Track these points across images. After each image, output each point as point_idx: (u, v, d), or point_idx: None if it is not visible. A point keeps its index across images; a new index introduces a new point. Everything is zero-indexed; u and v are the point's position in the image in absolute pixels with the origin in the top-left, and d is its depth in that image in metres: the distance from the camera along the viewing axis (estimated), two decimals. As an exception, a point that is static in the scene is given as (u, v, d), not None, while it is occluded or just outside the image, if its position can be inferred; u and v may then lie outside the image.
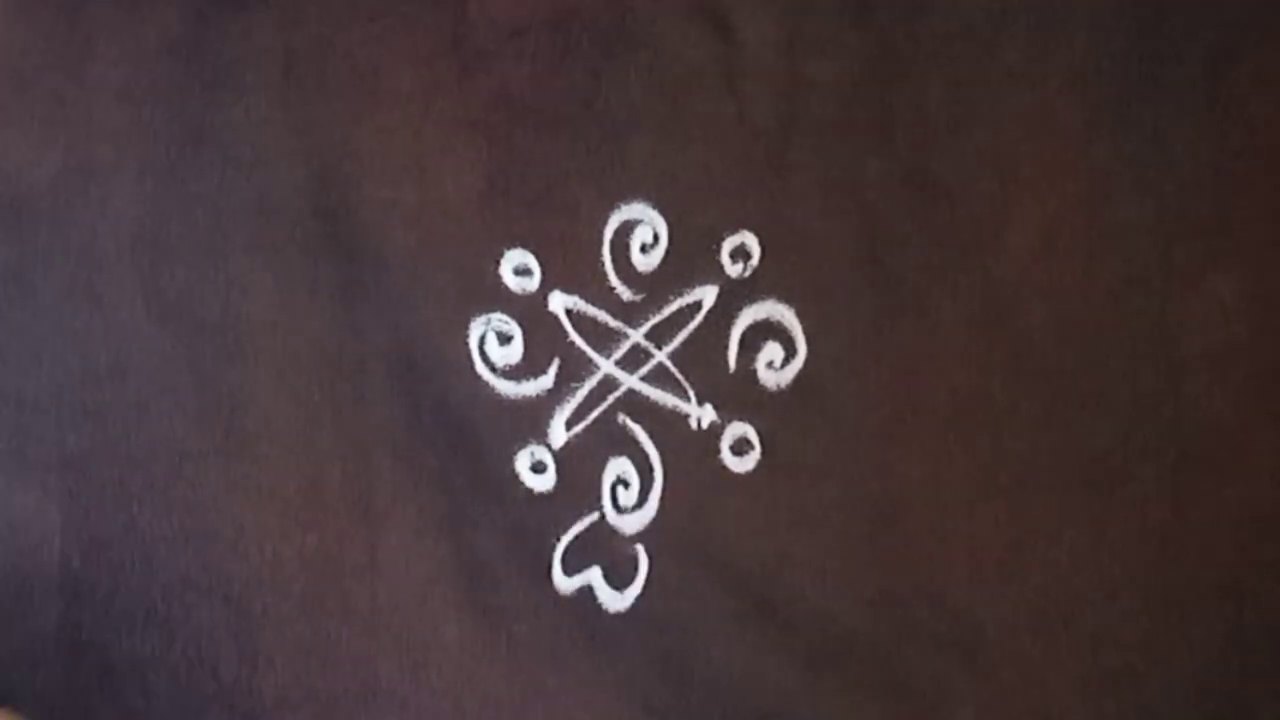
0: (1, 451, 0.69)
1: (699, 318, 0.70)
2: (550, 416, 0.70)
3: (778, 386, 0.70)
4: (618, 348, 0.70)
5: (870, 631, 0.69)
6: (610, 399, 0.70)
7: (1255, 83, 0.69)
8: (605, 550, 0.70)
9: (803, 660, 0.70)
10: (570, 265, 0.70)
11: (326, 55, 0.69)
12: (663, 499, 0.70)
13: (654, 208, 0.70)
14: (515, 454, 0.70)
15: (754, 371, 0.70)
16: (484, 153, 0.70)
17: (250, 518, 0.69)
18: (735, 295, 0.70)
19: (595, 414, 0.70)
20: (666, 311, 0.70)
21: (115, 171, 0.69)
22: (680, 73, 0.70)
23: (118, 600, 0.69)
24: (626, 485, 0.70)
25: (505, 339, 0.70)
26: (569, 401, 0.70)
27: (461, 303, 0.69)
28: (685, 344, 0.70)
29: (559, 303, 0.70)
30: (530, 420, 0.70)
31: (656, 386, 0.70)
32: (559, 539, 0.70)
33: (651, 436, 0.70)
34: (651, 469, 0.70)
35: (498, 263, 0.70)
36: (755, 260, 0.70)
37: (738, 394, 0.70)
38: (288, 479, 0.69)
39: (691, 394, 0.70)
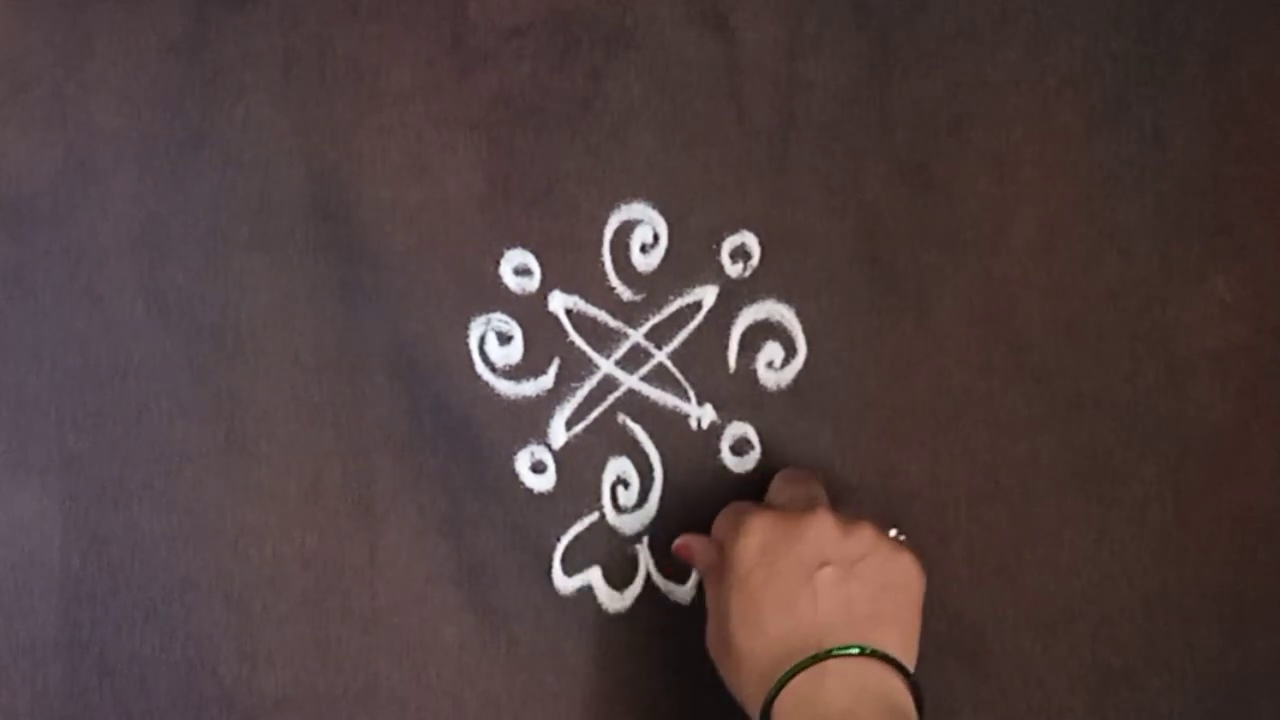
0: (1, 451, 0.69)
1: (699, 318, 0.70)
2: (550, 416, 0.70)
3: (778, 386, 0.70)
4: (618, 348, 0.70)
5: (870, 631, 0.69)
6: (610, 399, 0.70)
7: (1255, 83, 0.69)
8: (605, 550, 0.70)
9: (803, 660, 0.70)
10: (570, 265, 0.70)
11: (326, 55, 0.69)
12: (663, 499, 0.70)
13: (654, 208, 0.70)
14: (515, 454, 0.70)
15: (754, 371, 0.70)
16: (484, 153, 0.70)
17: (250, 518, 0.69)
18: (735, 295, 0.70)
19: (595, 414, 0.70)
20: (666, 311, 0.70)
21: (115, 171, 0.69)
22: (680, 73, 0.70)
23: (118, 600, 0.69)
24: (626, 485, 0.70)
25: (505, 339, 0.70)
26: (569, 401, 0.70)
27: (461, 303, 0.69)
28: (685, 344, 0.70)
29: (559, 303, 0.70)
30: (530, 420, 0.70)
31: (656, 386, 0.70)
32: (559, 539, 0.70)
33: (651, 436, 0.70)
34: (651, 469, 0.70)
35: (498, 263, 0.70)
36: (755, 260, 0.70)
37: (738, 394, 0.70)
38: (288, 479, 0.69)
39: (691, 394, 0.70)
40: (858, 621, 0.57)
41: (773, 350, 0.70)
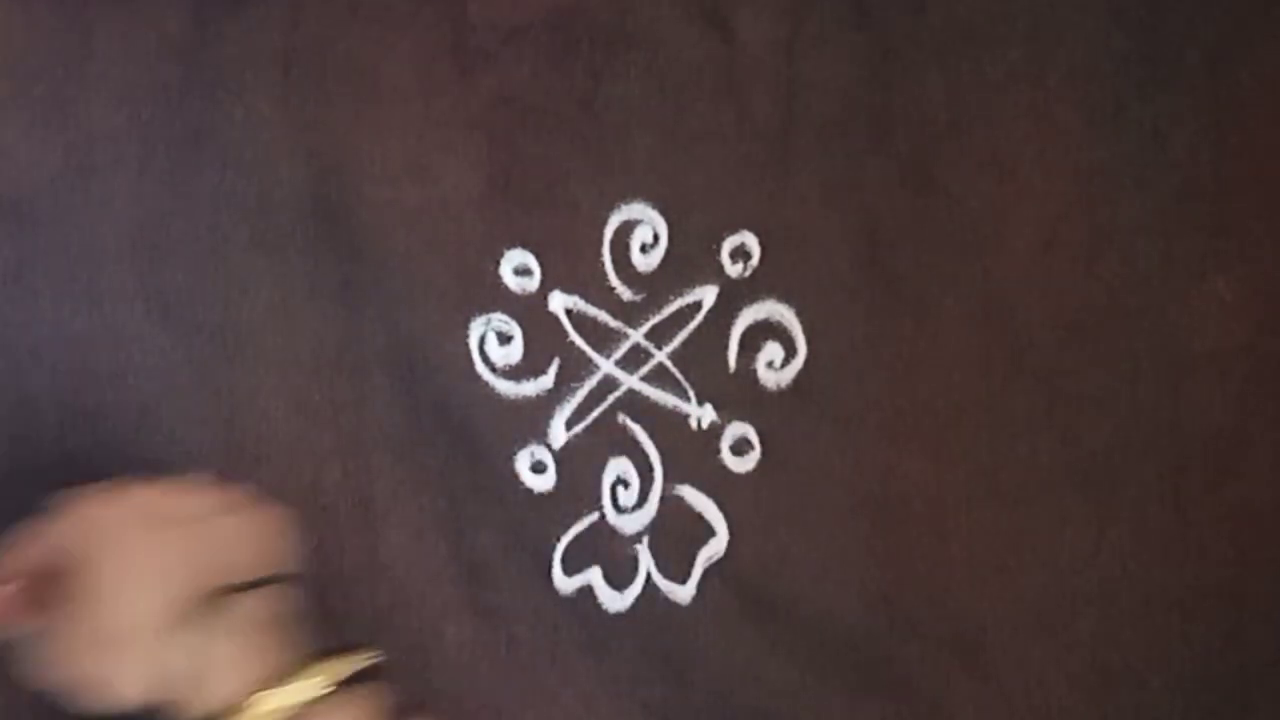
0: (1, 452, 0.69)
1: (699, 318, 0.70)
2: (550, 416, 0.70)
3: (778, 386, 0.70)
4: (618, 348, 0.70)
5: (870, 631, 0.69)
6: (610, 399, 0.70)
7: (1255, 83, 0.69)
8: (605, 550, 0.70)
9: (803, 660, 0.70)
10: (570, 265, 0.70)
11: (326, 55, 0.69)
12: (663, 499, 0.70)
13: (654, 208, 0.70)
14: (515, 454, 0.70)
15: (754, 371, 0.70)
16: (484, 153, 0.70)
17: (250, 518, 0.69)
18: (735, 295, 0.70)
19: (595, 414, 0.70)
20: (666, 311, 0.70)
21: (115, 171, 0.69)
22: (680, 73, 0.70)
23: (118, 600, 0.69)
24: (626, 485, 0.70)
25: (505, 339, 0.70)
26: (569, 401, 0.70)
27: (461, 303, 0.69)
28: (685, 344, 0.70)
29: (559, 303, 0.70)
30: (530, 420, 0.70)
31: (657, 386, 0.70)
32: (559, 539, 0.70)
33: (651, 436, 0.70)
34: (651, 469, 0.70)
35: (498, 263, 0.70)
36: (755, 260, 0.70)
37: (738, 394, 0.70)
38: (288, 479, 0.69)
39: (691, 394, 0.70)
40: None
41: (773, 350, 0.70)
